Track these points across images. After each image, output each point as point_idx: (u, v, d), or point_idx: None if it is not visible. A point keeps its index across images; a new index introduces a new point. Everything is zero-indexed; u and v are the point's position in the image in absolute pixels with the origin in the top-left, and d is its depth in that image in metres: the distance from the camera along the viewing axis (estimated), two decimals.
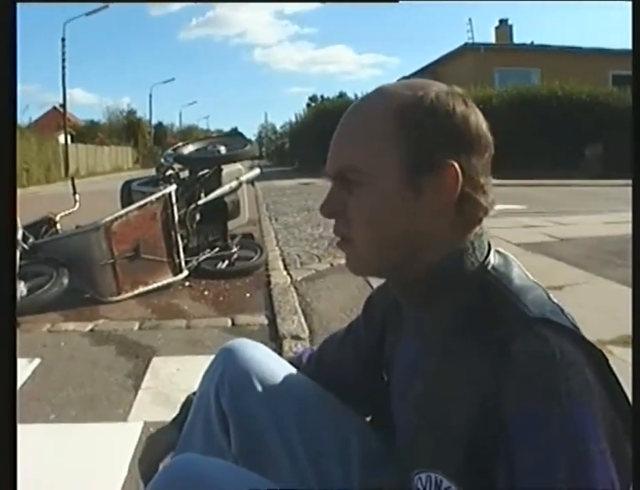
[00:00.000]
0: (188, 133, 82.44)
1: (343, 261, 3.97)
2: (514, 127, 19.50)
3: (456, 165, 0.90)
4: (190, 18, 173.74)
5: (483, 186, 0.94)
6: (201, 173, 4.89)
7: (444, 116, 0.92)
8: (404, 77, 30.22)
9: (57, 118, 43.32)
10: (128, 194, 4.87)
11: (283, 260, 5.39)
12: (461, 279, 0.95)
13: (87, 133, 42.76)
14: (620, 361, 2.32)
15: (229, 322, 3.69)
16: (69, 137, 31.88)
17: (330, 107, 25.02)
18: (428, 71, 29.05)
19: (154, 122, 60.36)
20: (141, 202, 4.25)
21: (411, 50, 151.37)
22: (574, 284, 4.21)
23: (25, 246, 4.10)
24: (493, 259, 0.96)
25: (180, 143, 5.59)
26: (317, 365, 1.39)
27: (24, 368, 2.97)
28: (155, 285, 4.33)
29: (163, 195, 4.34)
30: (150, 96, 57.63)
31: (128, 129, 51.32)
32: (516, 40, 28.64)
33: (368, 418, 1.33)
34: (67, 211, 4.74)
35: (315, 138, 22.90)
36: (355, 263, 1.00)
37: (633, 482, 0.80)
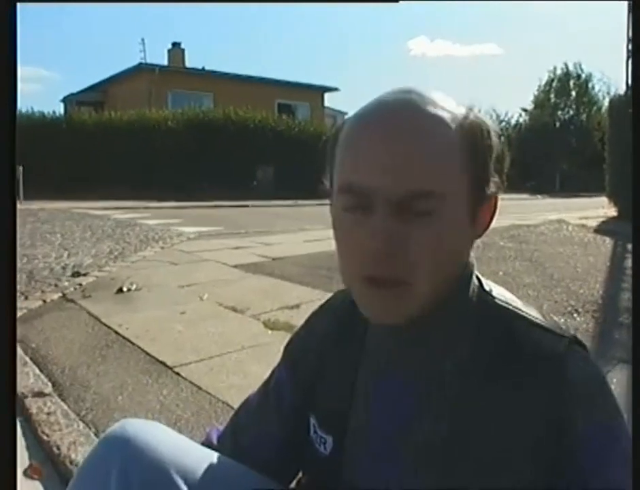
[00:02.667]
0: None
1: (56, 296, 3.45)
2: (189, 150, 19.90)
3: (500, 185, 0.86)
4: None
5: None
6: None
7: (491, 139, 0.84)
8: (72, 95, 28.71)
9: None
10: None
11: None
12: (469, 308, 0.88)
13: None
14: None
15: None
16: None
17: None
18: (99, 89, 28.15)
19: None
20: None
21: (74, 66, 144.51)
22: (309, 302, 4.26)
23: None
24: (487, 284, 0.91)
25: None
26: (234, 440, 1.12)
27: None
28: None
29: None
30: None
31: None
32: (188, 64, 29.15)
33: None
34: None
35: None
36: (406, 307, 0.82)
37: (633, 482, 0.80)
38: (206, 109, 22.14)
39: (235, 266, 5.82)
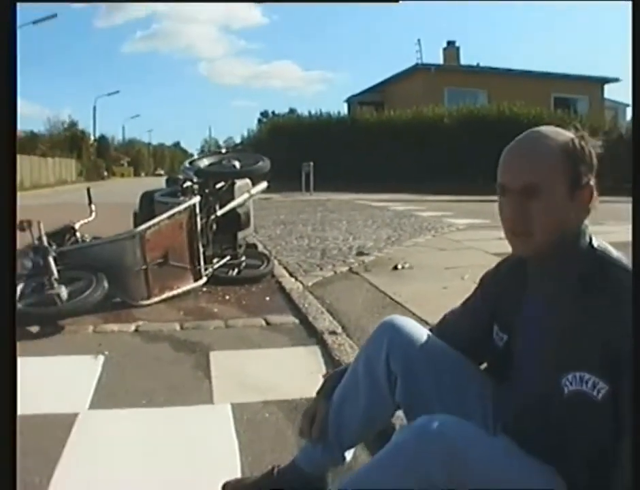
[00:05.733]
0: (130, 146, 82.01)
1: (344, 269, 4.41)
2: (465, 145, 20.43)
3: (592, 184, 1.43)
4: (135, 30, 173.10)
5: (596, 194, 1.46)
6: (218, 186, 5.21)
7: (585, 153, 1.43)
8: (354, 96, 31.04)
9: None
10: (149, 204, 5.12)
11: (285, 268, 5.73)
12: (579, 252, 1.45)
13: (27, 144, 41.75)
14: None
15: (264, 322, 4.01)
16: None
17: (283, 124, 25.39)
18: (377, 89, 29.83)
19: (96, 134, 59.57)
20: (171, 212, 4.53)
21: (356, 68, 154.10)
22: None
23: (53, 253, 4.29)
24: (595, 240, 1.47)
25: (195, 157, 5.91)
26: (439, 332, 1.82)
27: (93, 364, 3.22)
28: (179, 290, 4.61)
29: (189, 206, 4.65)
30: (94, 108, 56.97)
31: (71, 141, 50.53)
32: (463, 62, 29.76)
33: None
34: (84, 221, 4.97)
35: (271, 154, 22.90)
36: (530, 247, 1.46)
37: (633, 482, 1.23)
38: (480, 105, 22.52)
39: (495, 254, 6.36)
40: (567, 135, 1.44)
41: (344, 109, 29.96)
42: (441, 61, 29.68)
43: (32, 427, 2.43)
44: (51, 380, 3.05)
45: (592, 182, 1.43)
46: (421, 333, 1.75)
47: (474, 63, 28.52)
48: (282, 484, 1.83)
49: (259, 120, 44.11)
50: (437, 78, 25.70)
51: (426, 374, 1.68)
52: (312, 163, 18.21)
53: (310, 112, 25.18)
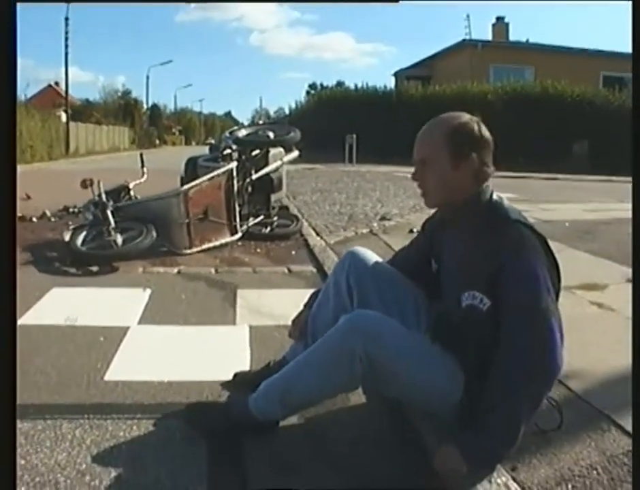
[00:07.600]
0: (182, 115, 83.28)
1: (365, 230, 5.15)
2: (507, 122, 20.49)
3: (475, 156, 1.96)
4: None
5: (487, 163, 2.00)
6: (253, 153, 5.90)
7: (469, 132, 1.97)
8: (402, 70, 31.22)
9: (53, 95, 43.81)
10: (193, 168, 5.87)
11: (313, 229, 6.38)
12: (478, 205, 2.00)
13: (83, 112, 43.05)
14: (579, 298, 3.74)
15: (286, 270, 4.70)
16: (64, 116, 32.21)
17: (331, 96, 25.84)
18: (425, 64, 29.85)
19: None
20: (211, 174, 5.24)
21: (408, 41, 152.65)
22: (557, 252, 5.23)
23: (111, 207, 5.05)
24: (494, 196, 2.02)
25: (235, 128, 6.63)
26: (393, 262, 2.45)
27: (141, 294, 3.97)
28: (217, 242, 5.33)
29: (228, 170, 5.34)
30: (147, 77, 58.18)
31: (124, 109, 51.83)
32: (512, 38, 29.63)
33: None
34: (137, 181, 5.73)
35: (317, 125, 23.80)
36: (428, 203, 2.06)
37: (633, 482, 1.71)
38: (524, 82, 22.54)
39: None
40: (459, 119, 1.97)
41: (392, 83, 30.27)
42: (490, 37, 29.60)
43: (95, 333, 3.18)
44: (108, 304, 3.80)
45: (476, 156, 1.94)
46: (375, 260, 2.39)
47: (524, 39, 28.48)
48: (275, 372, 2.48)
49: (307, 92, 44.65)
50: (483, 54, 25.58)
51: (373, 289, 2.30)
52: (355, 135, 18.69)
53: (356, 85, 25.59)
